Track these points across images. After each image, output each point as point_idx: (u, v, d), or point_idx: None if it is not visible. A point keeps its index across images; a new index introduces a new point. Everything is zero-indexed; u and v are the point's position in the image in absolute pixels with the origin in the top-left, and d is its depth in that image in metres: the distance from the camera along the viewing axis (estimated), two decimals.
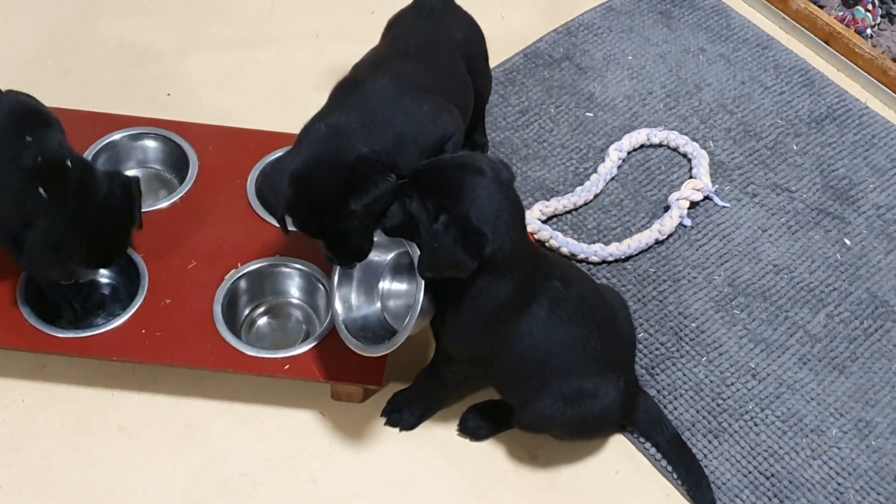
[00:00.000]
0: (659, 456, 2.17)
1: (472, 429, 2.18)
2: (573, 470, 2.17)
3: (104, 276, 2.30)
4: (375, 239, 1.99)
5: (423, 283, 1.91)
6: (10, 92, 2.10)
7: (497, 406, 2.16)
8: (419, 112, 2.04)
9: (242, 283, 2.25)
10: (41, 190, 2.01)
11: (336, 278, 2.09)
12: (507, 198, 1.87)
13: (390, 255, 2.13)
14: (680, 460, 2.14)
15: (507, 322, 1.94)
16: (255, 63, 2.82)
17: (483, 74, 2.40)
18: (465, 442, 2.18)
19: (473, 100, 2.34)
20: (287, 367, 2.12)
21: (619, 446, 2.20)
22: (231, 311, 2.22)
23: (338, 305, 2.08)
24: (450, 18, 2.33)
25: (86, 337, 2.13)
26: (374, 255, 2.07)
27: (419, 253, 1.90)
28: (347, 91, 2.08)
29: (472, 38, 2.35)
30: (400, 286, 2.15)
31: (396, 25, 2.32)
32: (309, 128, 2.01)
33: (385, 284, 2.15)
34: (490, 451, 2.18)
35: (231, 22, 2.92)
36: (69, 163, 2.05)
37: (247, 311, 2.27)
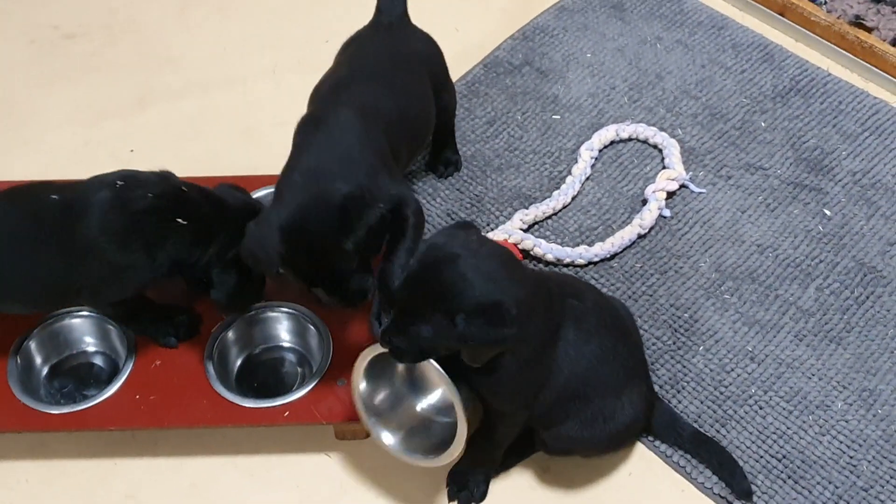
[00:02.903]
0: (670, 452, 2.16)
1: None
2: (586, 477, 2.16)
3: (91, 345, 2.27)
4: None
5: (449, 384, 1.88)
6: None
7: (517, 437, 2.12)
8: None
9: (230, 334, 2.23)
10: (179, 220, 2.01)
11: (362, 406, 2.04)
12: (488, 254, 1.83)
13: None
14: (709, 455, 2.12)
15: (547, 356, 1.91)
16: (216, 107, 2.80)
17: (446, 89, 2.40)
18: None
19: (435, 117, 2.33)
20: (287, 413, 2.10)
21: (629, 448, 2.19)
22: (223, 364, 2.20)
23: (384, 436, 2.05)
24: (407, 34, 2.32)
25: (82, 410, 2.10)
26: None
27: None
28: (311, 130, 2.06)
29: (431, 52, 2.35)
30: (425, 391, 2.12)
31: (354, 43, 2.31)
32: (285, 179, 1.99)
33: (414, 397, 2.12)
34: (501, 477, 2.16)
35: (185, 69, 2.90)
36: (184, 188, 2.06)
37: (239, 362, 2.25)
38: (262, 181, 2.40)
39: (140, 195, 2.00)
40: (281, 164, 2.47)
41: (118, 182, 2.02)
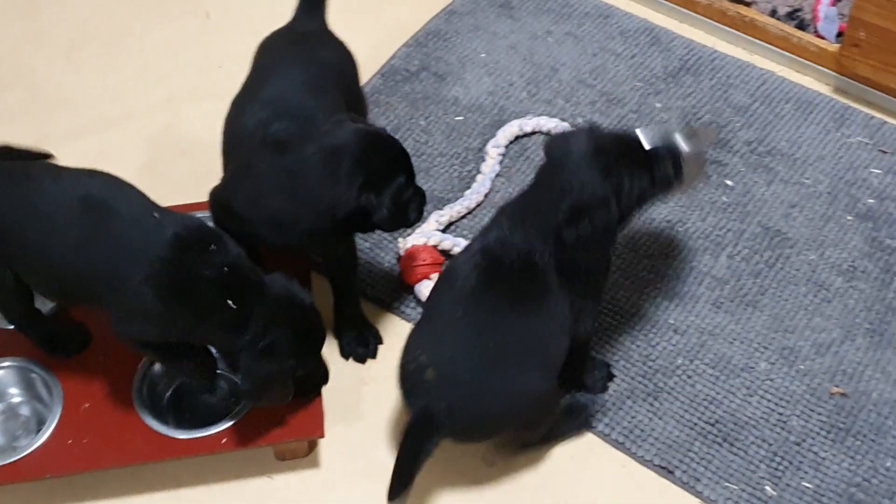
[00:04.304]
0: (608, 430, 2.20)
1: None
2: (531, 466, 2.19)
3: (17, 395, 2.22)
4: None
5: None
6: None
7: None
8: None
9: (157, 367, 2.20)
10: (230, 302, 1.94)
11: None
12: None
13: None
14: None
15: None
16: (115, 144, 2.76)
17: (359, 99, 2.39)
18: (426, 470, 2.17)
19: None
20: (224, 440, 2.08)
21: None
22: (153, 398, 2.17)
23: None
24: (324, 43, 2.33)
25: (14, 462, 2.05)
26: None
27: None
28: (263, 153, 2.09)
29: (346, 62, 2.35)
30: None
31: (269, 51, 2.30)
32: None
33: None
34: (445, 474, 2.17)
35: (80, 108, 2.86)
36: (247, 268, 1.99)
37: (169, 394, 2.22)
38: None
39: (217, 262, 1.94)
40: (186, 193, 2.47)
41: (212, 245, 1.95)
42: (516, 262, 1.96)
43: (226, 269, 1.94)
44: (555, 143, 2.03)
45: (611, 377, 2.26)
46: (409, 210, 2.13)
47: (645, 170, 1.99)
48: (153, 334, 2.00)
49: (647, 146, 2.00)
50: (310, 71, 2.22)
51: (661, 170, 2.01)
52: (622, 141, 2.00)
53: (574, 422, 2.20)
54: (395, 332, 2.35)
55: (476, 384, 1.94)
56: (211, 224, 2.08)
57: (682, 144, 2.03)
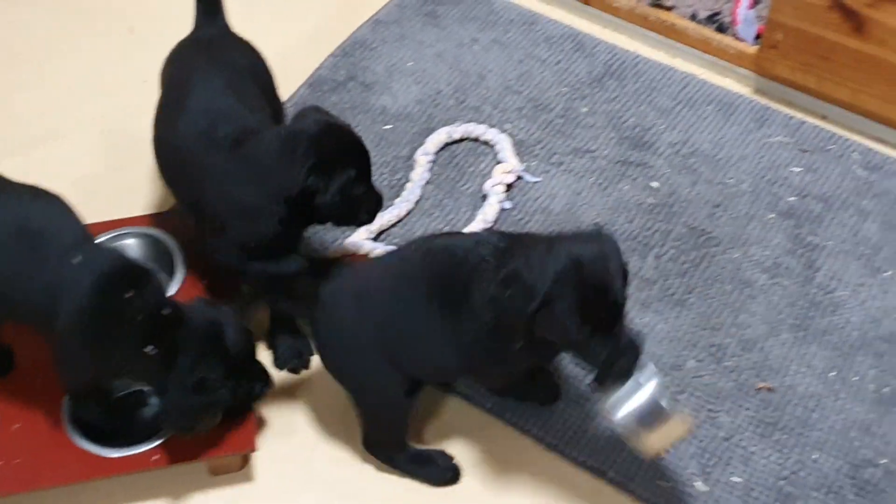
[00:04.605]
0: (542, 434, 2.22)
1: None
2: (465, 469, 2.20)
3: None
4: None
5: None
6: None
7: None
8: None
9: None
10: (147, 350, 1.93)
11: None
12: None
13: None
14: None
15: None
16: (44, 162, 2.72)
17: (276, 97, 2.39)
18: (361, 482, 2.19)
19: None
20: (156, 457, 2.07)
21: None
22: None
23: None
24: (232, 45, 2.33)
25: None
26: None
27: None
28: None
29: (257, 62, 2.35)
30: None
31: (179, 63, 2.30)
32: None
33: None
34: (383, 485, 2.19)
35: (8, 127, 2.81)
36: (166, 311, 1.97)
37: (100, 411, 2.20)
38: (100, 227, 2.37)
39: (135, 308, 1.93)
40: (119, 209, 2.46)
41: (132, 289, 1.93)
42: (457, 273, 1.94)
43: (145, 313, 1.93)
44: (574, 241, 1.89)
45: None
46: (361, 209, 2.16)
47: (596, 327, 1.82)
48: (83, 375, 2.02)
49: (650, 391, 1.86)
50: (226, 75, 2.23)
51: (596, 349, 1.84)
52: (600, 287, 1.82)
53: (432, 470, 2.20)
54: None
55: (353, 341, 2.01)
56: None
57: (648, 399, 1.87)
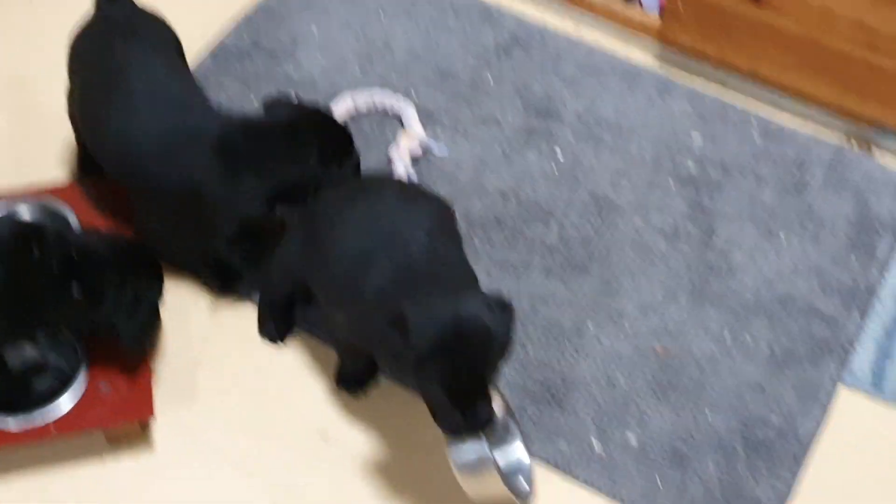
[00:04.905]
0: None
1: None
2: (359, 435, 2.23)
3: None
4: None
5: None
6: None
7: None
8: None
9: None
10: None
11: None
12: None
13: None
14: None
15: None
16: None
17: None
18: (263, 451, 2.19)
19: None
20: (53, 428, 2.05)
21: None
22: None
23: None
24: (146, 22, 2.31)
25: None
26: None
27: None
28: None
29: (175, 37, 2.34)
30: None
31: (94, 48, 2.25)
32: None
33: None
34: (283, 454, 2.19)
35: None
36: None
37: None
38: None
39: (48, 264, 1.99)
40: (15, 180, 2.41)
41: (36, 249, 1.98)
42: None
43: (58, 263, 1.98)
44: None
45: None
46: None
47: (455, 399, 1.86)
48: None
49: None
50: (161, 57, 2.22)
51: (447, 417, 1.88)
52: (471, 366, 1.85)
53: None
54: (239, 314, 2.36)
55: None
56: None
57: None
